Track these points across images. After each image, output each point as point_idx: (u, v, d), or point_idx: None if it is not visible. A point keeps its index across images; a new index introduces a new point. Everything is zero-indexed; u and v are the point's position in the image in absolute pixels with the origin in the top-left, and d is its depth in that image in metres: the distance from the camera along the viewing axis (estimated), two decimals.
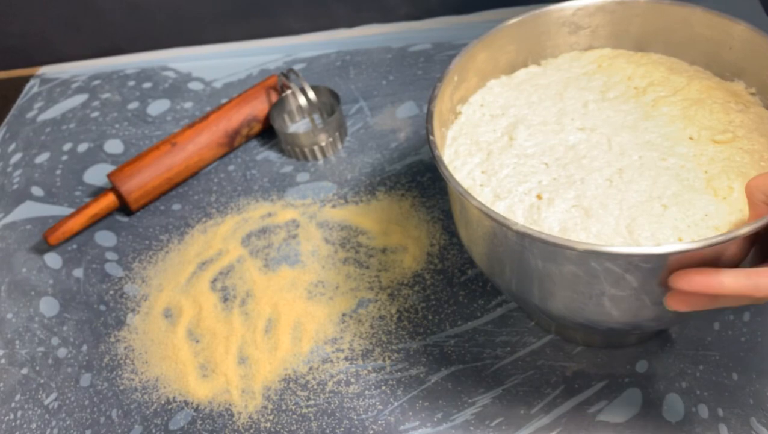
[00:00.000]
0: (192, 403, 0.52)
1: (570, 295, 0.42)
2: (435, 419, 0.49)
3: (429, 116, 0.46)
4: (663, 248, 0.36)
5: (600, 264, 0.38)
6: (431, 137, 0.45)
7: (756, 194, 0.37)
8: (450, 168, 0.49)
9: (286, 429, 0.50)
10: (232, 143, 0.70)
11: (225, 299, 0.58)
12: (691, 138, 0.47)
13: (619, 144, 0.47)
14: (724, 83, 0.50)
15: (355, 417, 0.50)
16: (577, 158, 0.47)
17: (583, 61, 0.54)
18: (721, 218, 0.41)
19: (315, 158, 0.69)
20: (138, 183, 0.65)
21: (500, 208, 0.45)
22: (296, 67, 0.79)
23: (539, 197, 0.45)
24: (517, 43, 0.53)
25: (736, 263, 0.39)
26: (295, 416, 0.50)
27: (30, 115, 0.80)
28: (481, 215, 0.40)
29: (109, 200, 0.65)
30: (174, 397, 0.53)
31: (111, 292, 0.61)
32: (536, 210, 0.44)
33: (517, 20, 0.52)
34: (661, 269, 0.38)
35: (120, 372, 0.55)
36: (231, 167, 0.70)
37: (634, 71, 0.52)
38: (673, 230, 0.41)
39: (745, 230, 0.35)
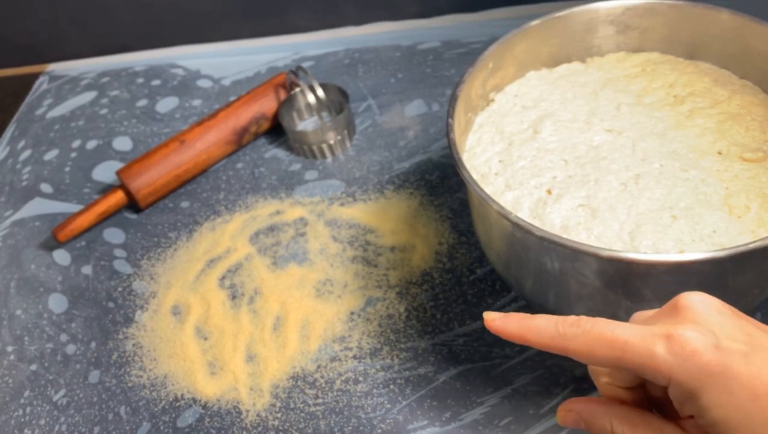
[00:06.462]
0: (200, 401, 0.52)
1: (586, 304, 0.42)
2: (443, 418, 0.49)
3: (453, 99, 0.46)
4: (685, 256, 0.36)
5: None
6: (450, 120, 0.44)
7: None
8: (469, 154, 0.49)
9: (294, 427, 0.50)
10: (240, 141, 0.70)
11: (233, 297, 0.58)
12: (719, 153, 0.45)
13: (643, 150, 0.46)
14: None
15: (363, 415, 0.50)
16: (597, 159, 0.46)
17: (628, 63, 0.53)
18: (730, 236, 0.40)
19: (323, 156, 0.68)
20: (147, 180, 0.65)
21: (508, 198, 0.44)
22: (305, 65, 0.79)
23: (549, 192, 0.44)
24: (560, 37, 0.52)
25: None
26: (303, 414, 0.50)
27: (39, 112, 0.80)
28: (481, 201, 0.40)
29: (117, 197, 0.65)
30: (182, 394, 0.53)
31: (119, 289, 0.61)
32: (542, 205, 0.43)
33: (562, 14, 0.51)
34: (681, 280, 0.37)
35: (128, 369, 0.55)
36: (239, 165, 0.70)
37: (676, 79, 0.51)
38: (676, 242, 0.40)
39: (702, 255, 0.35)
